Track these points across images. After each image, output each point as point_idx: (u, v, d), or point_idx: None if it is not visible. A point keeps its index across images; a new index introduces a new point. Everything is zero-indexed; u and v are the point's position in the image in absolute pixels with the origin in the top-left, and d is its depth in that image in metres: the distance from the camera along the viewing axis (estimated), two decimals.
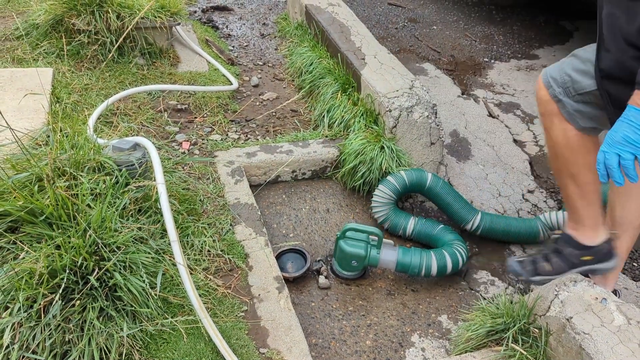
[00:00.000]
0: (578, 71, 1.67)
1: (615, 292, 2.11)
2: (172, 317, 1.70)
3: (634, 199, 1.84)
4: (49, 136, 2.14)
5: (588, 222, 1.84)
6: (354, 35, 3.24)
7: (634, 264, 2.46)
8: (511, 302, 1.85)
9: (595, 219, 1.84)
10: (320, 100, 2.99)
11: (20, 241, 1.59)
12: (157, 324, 1.63)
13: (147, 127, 2.69)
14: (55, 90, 2.61)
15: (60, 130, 2.15)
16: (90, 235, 1.60)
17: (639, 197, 1.84)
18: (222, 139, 2.75)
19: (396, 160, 2.50)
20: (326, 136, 2.79)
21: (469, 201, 2.51)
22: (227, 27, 4.18)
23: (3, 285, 1.46)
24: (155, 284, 1.67)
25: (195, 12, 4.36)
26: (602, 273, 1.91)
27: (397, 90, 2.63)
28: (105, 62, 3.03)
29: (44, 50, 2.98)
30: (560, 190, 1.86)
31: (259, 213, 2.28)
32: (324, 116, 2.90)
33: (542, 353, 1.66)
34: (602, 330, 1.55)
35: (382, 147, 2.50)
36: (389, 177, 2.42)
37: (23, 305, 1.44)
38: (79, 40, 2.98)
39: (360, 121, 2.69)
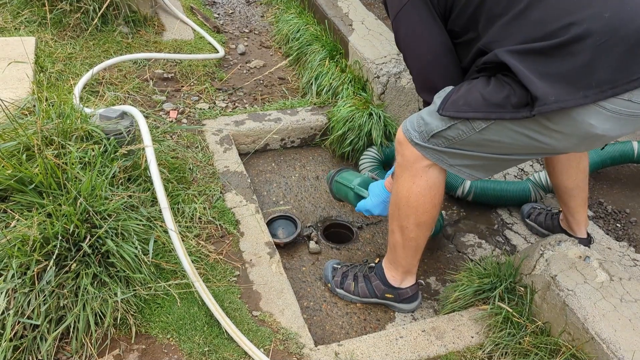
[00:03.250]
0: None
1: (588, 236, 2.20)
2: (165, 282, 1.72)
3: (567, 170, 2.03)
4: (34, 105, 2.12)
5: (402, 268, 1.89)
6: (341, 2, 3.21)
7: (617, 224, 2.52)
8: (498, 264, 1.90)
9: (410, 267, 1.89)
10: (307, 68, 2.98)
11: (11, 210, 1.59)
12: (150, 288, 1.66)
13: (134, 96, 2.67)
14: (39, 60, 2.57)
15: (46, 100, 2.13)
16: (81, 203, 1.60)
17: (570, 168, 2.03)
18: (209, 108, 2.74)
19: (384, 127, 2.51)
20: (314, 104, 2.79)
21: None
22: None
23: None
24: (148, 250, 1.69)
25: None
26: (398, 311, 1.99)
27: (385, 57, 2.63)
28: (88, 31, 2.99)
29: (26, 19, 2.92)
30: (388, 232, 1.87)
31: (249, 181, 2.29)
32: (312, 83, 2.89)
33: (527, 310, 1.71)
34: (585, 286, 1.60)
35: (371, 114, 2.51)
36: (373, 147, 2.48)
37: (17, 272, 1.45)
38: (60, 9, 2.92)
39: (348, 88, 2.69)
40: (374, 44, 2.74)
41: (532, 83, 1.35)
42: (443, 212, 2.31)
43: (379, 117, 2.51)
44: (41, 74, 2.47)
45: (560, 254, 1.71)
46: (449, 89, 1.61)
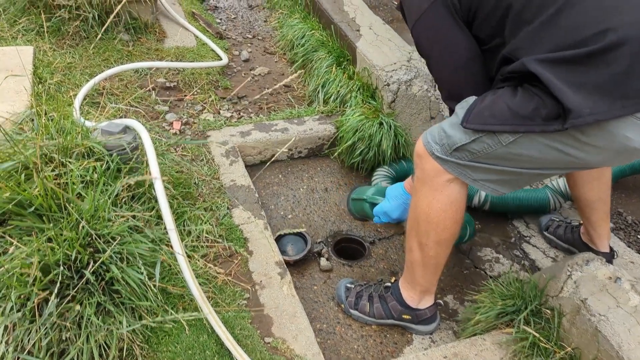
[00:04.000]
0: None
1: (611, 250, 2.11)
2: (172, 308, 1.63)
3: (589, 182, 1.96)
4: (33, 120, 2.03)
5: (420, 288, 1.80)
6: (347, 5, 3.13)
7: (639, 236, 2.43)
8: (519, 281, 1.81)
9: (429, 286, 1.80)
10: (314, 75, 2.89)
11: (9, 235, 1.50)
12: (157, 316, 1.57)
13: (136, 107, 2.58)
14: (37, 70, 2.48)
15: (45, 114, 2.05)
16: (83, 227, 1.51)
17: (592, 181, 1.96)
18: (214, 118, 2.65)
19: (394, 138, 2.43)
20: (322, 112, 2.70)
21: None
22: None
23: None
24: (154, 274, 1.60)
25: None
26: (415, 333, 1.89)
27: (395, 63, 2.54)
28: (88, 39, 2.90)
29: (23, 27, 2.83)
30: (405, 249, 1.78)
31: (257, 195, 2.20)
32: (318, 91, 2.80)
33: (555, 335, 1.61)
34: (618, 311, 1.51)
35: (381, 123, 2.42)
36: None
37: (16, 304, 1.36)
38: (59, 16, 2.84)
39: (357, 96, 2.60)
40: (382, 50, 2.65)
41: (564, 94, 1.26)
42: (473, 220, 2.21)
43: (390, 126, 2.42)
44: (40, 86, 2.38)
45: (589, 274, 1.62)
46: (471, 99, 1.52)
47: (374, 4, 4.05)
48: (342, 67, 2.80)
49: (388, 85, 2.46)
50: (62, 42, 2.84)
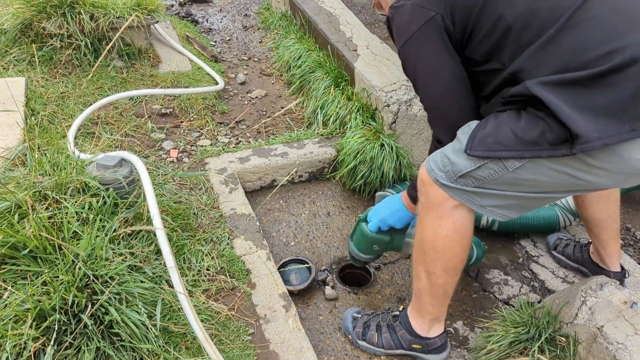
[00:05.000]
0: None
1: (622, 269, 2.05)
2: (174, 348, 1.57)
3: (597, 201, 1.92)
4: (26, 154, 1.98)
5: (429, 316, 1.75)
6: (343, 25, 3.10)
7: None
8: (532, 306, 1.76)
9: (438, 314, 1.75)
10: (312, 96, 2.85)
11: (3, 280, 1.45)
12: (159, 358, 1.51)
13: (132, 136, 2.53)
14: (30, 102, 2.44)
15: (38, 148, 2.00)
16: (79, 268, 1.46)
17: (601, 200, 1.92)
18: (211, 144, 2.61)
19: (396, 159, 2.38)
20: (321, 135, 2.66)
21: None
22: (207, 20, 4.00)
23: None
24: (154, 313, 1.54)
25: (172, 6, 4.17)
26: None
27: (394, 83, 2.50)
28: (81, 67, 2.86)
29: (14, 57, 2.79)
30: (412, 277, 1.74)
31: (258, 224, 2.15)
32: (317, 113, 2.76)
33: None
34: (636, 339, 1.46)
35: (382, 145, 2.37)
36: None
37: (11, 354, 1.30)
38: (51, 45, 2.79)
39: (356, 117, 2.56)
40: (381, 70, 2.62)
41: (570, 118, 1.23)
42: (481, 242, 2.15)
43: (391, 147, 2.38)
44: (32, 118, 2.33)
45: (604, 300, 1.57)
46: (473, 124, 1.48)
47: (370, 20, 4.04)
48: (341, 87, 2.76)
49: (388, 105, 2.42)
50: (54, 71, 2.80)
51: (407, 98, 2.43)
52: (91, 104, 2.54)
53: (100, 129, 2.47)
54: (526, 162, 1.36)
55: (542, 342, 1.61)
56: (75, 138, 2.31)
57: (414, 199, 1.77)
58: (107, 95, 2.68)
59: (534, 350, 1.61)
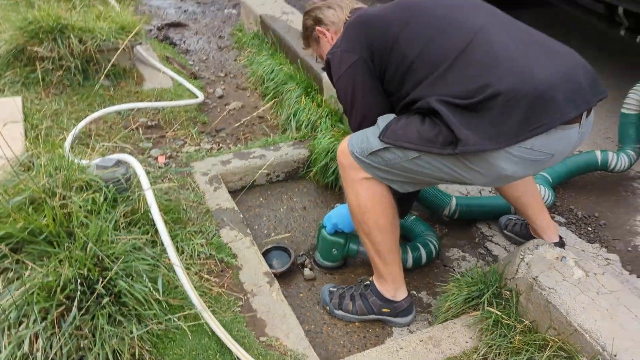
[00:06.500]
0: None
1: (560, 239, 2.37)
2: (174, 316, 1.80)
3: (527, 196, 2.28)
4: (31, 161, 2.21)
5: (388, 278, 2.03)
6: None
7: (588, 228, 2.70)
8: (483, 272, 2.04)
9: (394, 276, 2.03)
10: (285, 105, 3.14)
11: (23, 261, 1.67)
12: (161, 323, 1.74)
13: (122, 145, 2.78)
14: (28, 118, 2.67)
15: (42, 155, 2.23)
16: (90, 248, 1.69)
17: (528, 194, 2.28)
18: (195, 150, 2.86)
19: None
20: (295, 138, 2.94)
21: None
22: (184, 42, 4.29)
23: (16, 301, 1.54)
24: (156, 288, 1.78)
25: (151, 30, 4.44)
26: (395, 326, 2.11)
27: None
28: (71, 87, 3.10)
29: (9, 80, 3.02)
30: (364, 248, 2.07)
31: (241, 216, 2.40)
32: (290, 120, 3.04)
33: (514, 311, 1.84)
34: (564, 284, 1.75)
35: None
36: None
37: (38, 317, 1.52)
38: (43, 67, 3.04)
39: (326, 121, 2.85)
40: None
41: (457, 128, 1.60)
42: (437, 239, 2.45)
43: None
44: (32, 131, 2.56)
45: (539, 256, 1.86)
46: (392, 116, 1.84)
47: None
48: (311, 96, 3.06)
49: None
50: (47, 91, 3.04)
51: None
52: (83, 119, 2.78)
53: (93, 140, 2.71)
54: (422, 155, 1.72)
55: (489, 296, 1.89)
56: (71, 148, 2.55)
57: None
58: (97, 111, 2.92)
59: (483, 303, 1.88)
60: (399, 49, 1.76)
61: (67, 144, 2.53)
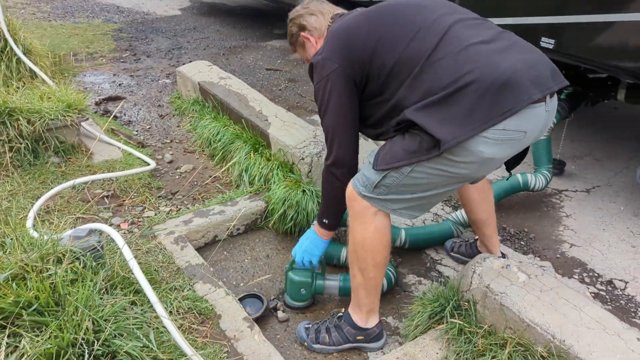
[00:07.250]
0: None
1: (502, 254, 2.67)
2: None
3: (480, 205, 2.54)
4: (3, 241, 2.26)
5: (365, 308, 2.21)
6: (251, 101, 3.65)
7: (521, 242, 3.03)
8: (442, 289, 2.28)
9: (372, 305, 2.21)
10: (236, 163, 3.32)
11: (20, 333, 1.73)
12: None
13: (83, 217, 2.85)
14: None
15: (7, 235, 2.28)
16: (83, 312, 1.78)
17: (482, 203, 2.54)
18: (156, 214, 2.98)
19: (317, 200, 2.89)
20: (250, 192, 3.11)
21: None
22: (125, 114, 4.41)
23: None
24: (150, 342, 1.87)
25: (89, 105, 4.52)
26: (369, 351, 2.29)
27: (304, 141, 3.05)
28: (22, 167, 3.15)
29: None
30: (351, 278, 2.23)
31: (212, 269, 2.53)
32: (243, 176, 3.22)
33: (474, 319, 2.07)
34: (512, 287, 2.01)
35: (304, 191, 2.88)
36: None
37: None
38: None
39: (278, 173, 3.05)
40: (291, 132, 3.16)
41: (435, 129, 1.80)
42: (394, 267, 2.67)
43: (312, 192, 2.88)
44: None
45: (487, 267, 2.13)
46: (376, 149, 2.04)
47: (271, 97, 4.65)
48: (260, 152, 3.26)
49: (303, 159, 2.94)
50: None
51: (317, 150, 2.98)
52: (39, 197, 2.84)
53: (53, 215, 2.77)
54: (414, 166, 1.91)
55: (451, 309, 2.12)
56: (34, 225, 2.60)
57: (322, 225, 2.36)
58: (53, 187, 2.98)
59: (446, 316, 2.11)
60: (378, 60, 1.96)
61: (29, 223, 2.58)
